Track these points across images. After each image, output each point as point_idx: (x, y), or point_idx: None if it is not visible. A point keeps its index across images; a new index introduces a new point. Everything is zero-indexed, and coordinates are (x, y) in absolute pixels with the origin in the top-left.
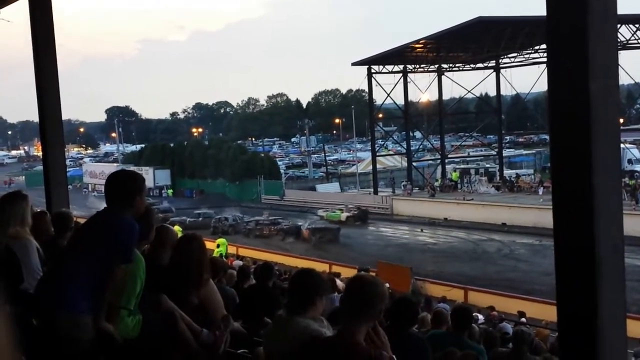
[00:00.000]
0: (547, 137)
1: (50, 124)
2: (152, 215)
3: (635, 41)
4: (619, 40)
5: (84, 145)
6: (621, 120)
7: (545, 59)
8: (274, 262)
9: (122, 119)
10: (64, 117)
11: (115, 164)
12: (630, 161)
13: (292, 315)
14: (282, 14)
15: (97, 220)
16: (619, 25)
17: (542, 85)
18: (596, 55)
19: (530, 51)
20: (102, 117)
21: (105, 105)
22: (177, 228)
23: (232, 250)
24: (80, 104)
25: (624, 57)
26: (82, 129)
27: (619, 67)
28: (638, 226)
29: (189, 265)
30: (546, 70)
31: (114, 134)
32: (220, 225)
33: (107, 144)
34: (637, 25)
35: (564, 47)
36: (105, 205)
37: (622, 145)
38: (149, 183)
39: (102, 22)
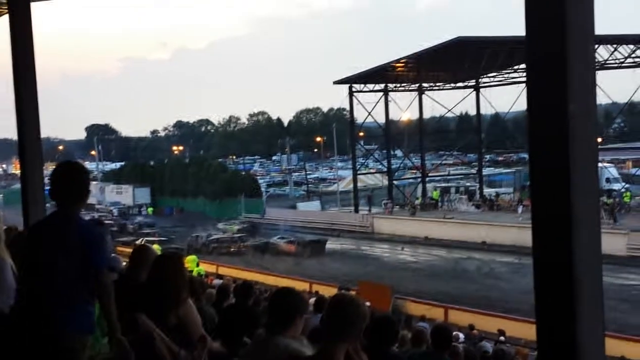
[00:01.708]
0: (526, 155)
1: (29, 142)
2: (107, 230)
3: (613, 61)
4: (597, 60)
5: None
6: (599, 140)
7: (524, 79)
8: (253, 280)
9: (102, 137)
10: (43, 135)
11: (94, 182)
12: (608, 180)
13: (272, 334)
14: (265, 33)
15: (62, 232)
16: (597, 46)
17: (522, 105)
18: (575, 76)
19: (509, 71)
20: (82, 135)
21: (85, 123)
22: (156, 247)
23: (211, 269)
24: (60, 122)
25: (601, 77)
26: (61, 147)
27: (597, 87)
28: (616, 245)
29: (167, 284)
30: (525, 90)
31: (93, 152)
32: (194, 244)
33: (86, 162)
34: (614, 46)
35: (543, 68)
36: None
37: (600, 164)
38: (129, 201)
39: (83, 39)
